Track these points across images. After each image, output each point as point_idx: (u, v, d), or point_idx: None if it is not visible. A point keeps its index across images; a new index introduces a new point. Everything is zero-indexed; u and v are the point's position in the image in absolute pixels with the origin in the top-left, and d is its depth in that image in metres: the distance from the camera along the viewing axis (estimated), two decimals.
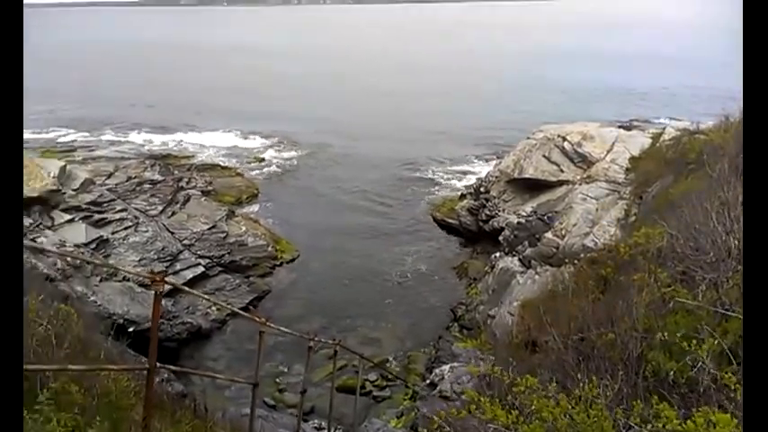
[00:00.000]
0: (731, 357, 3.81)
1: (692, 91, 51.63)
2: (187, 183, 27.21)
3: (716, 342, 3.90)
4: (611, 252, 10.89)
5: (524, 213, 21.36)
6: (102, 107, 48.23)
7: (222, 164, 33.09)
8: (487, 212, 23.07)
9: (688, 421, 3.05)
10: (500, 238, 20.98)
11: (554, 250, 17.48)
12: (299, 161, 34.44)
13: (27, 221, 18.45)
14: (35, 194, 19.16)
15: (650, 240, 9.49)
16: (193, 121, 43.16)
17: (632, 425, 3.22)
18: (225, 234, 22.06)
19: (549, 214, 20.84)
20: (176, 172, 28.84)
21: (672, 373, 3.99)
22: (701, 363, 3.74)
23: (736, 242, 5.68)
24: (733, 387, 3.34)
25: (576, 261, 13.98)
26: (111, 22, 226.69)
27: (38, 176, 19.78)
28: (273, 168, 33.18)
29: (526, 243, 19.19)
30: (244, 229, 23.07)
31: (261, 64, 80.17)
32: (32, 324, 5.22)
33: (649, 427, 3.18)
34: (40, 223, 18.53)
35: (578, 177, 21.72)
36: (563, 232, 17.79)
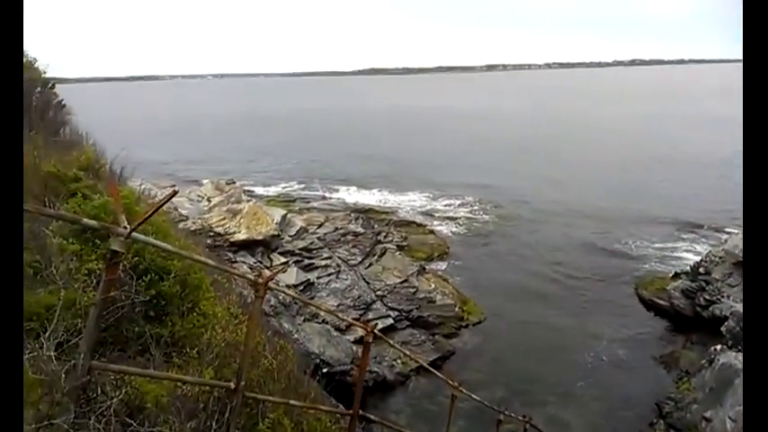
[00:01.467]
0: None
1: None
2: (384, 237, 28.87)
3: None
4: None
5: None
6: (320, 166, 54.21)
7: (417, 221, 34.46)
8: (707, 297, 20.15)
9: None
10: (722, 328, 18.06)
11: None
12: (493, 225, 34.26)
13: (251, 260, 21.24)
14: (261, 237, 22.07)
15: None
16: (397, 180, 45.99)
17: None
18: (415, 289, 22.66)
19: None
20: (376, 226, 30.85)
21: None
22: None
23: None
24: None
25: None
26: (332, 89, 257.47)
27: (264, 222, 22.79)
28: (464, 230, 33.48)
29: None
30: (433, 286, 23.46)
31: (473, 128, 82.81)
32: (258, 355, 5.80)
33: None
34: (261, 262, 21.16)
35: None
36: None
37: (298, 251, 22.68)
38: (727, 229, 29.23)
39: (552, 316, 22.15)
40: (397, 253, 26.53)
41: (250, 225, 22.25)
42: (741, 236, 21.57)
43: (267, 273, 4.12)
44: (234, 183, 28.22)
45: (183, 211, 22.94)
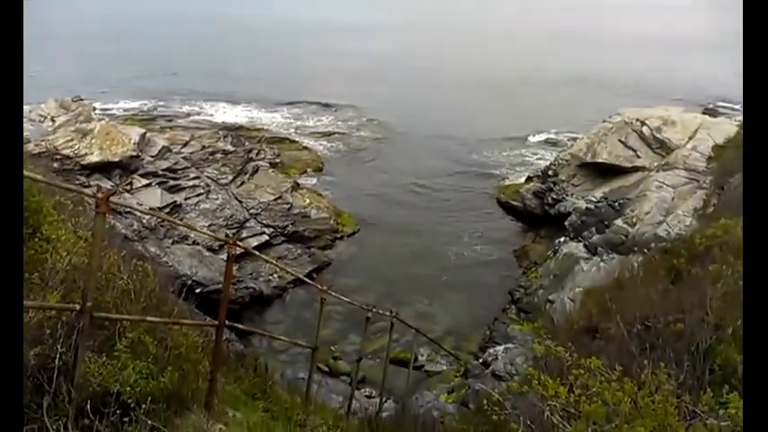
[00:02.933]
0: None
1: None
2: (256, 154, 28.06)
3: None
4: (686, 243, 10.36)
5: (594, 199, 20.64)
6: (181, 81, 50.14)
7: (291, 138, 33.78)
8: (554, 196, 22.45)
9: None
10: (566, 223, 20.41)
11: (623, 238, 16.84)
12: (365, 141, 34.59)
13: (108, 184, 19.68)
14: (116, 159, 20.40)
15: (729, 232, 8.96)
16: (266, 95, 44.10)
17: (699, 413, 3.11)
18: (289, 205, 22.64)
19: (621, 200, 20.04)
20: (247, 143, 29.77)
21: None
22: None
23: None
24: None
25: (646, 250, 13.42)
26: None
27: (120, 142, 21.00)
28: (340, 144, 33.53)
29: (593, 229, 18.57)
30: (308, 201, 23.58)
31: (345, 41, 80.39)
32: (113, 277, 5.58)
33: (715, 416, 3.05)
34: (119, 185, 19.72)
35: (655, 164, 20.70)
36: (634, 220, 17.07)
37: (161, 172, 21.35)
38: (575, 136, 32.20)
39: (420, 223, 23.50)
40: (270, 170, 26.03)
41: (104, 146, 20.39)
42: (586, 140, 23.96)
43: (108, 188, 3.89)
44: (81, 100, 25.27)
45: (25, 133, 20.35)
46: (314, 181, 27.63)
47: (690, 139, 20.90)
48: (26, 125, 21.65)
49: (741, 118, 22.72)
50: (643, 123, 22.28)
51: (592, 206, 20.56)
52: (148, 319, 4.59)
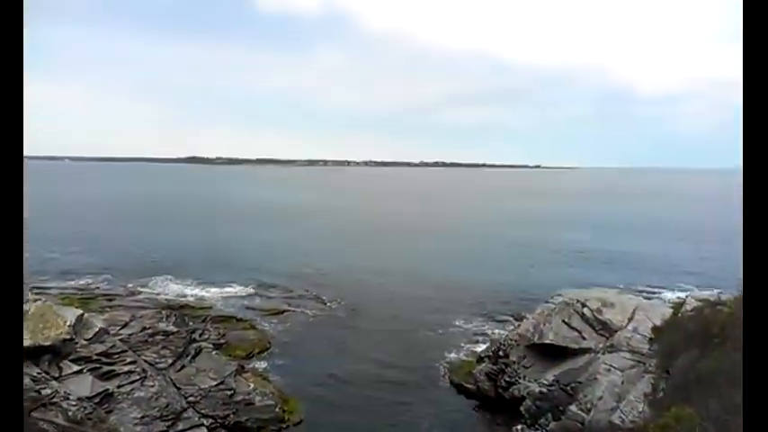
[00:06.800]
0: None
1: (709, 261, 52.06)
2: (200, 335, 27.01)
3: None
4: None
5: (546, 382, 20.46)
6: (130, 257, 49.75)
7: (237, 316, 32.99)
8: (507, 378, 22.14)
9: None
10: (521, 408, 19.90)
11: (579, 425, 16.40)
12: (314, 317, 34.21)
13: (34, 371, 18.12)
14: (48, 343, 19.08)
15: (680, 422, 8.96)
16: (215, 275, 43.95)
17: None
18: (232, 391, 21.25)
19: (572, 384, 19.94)
20: (191, 323, 28.76)
21: None
22: None
23: None
24: None
25: None
26: (150, 176, 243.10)
27: (54, 324, 19.86)
28: (288, 324, 32.85)
29: (549, 415, 18.11)
30: (252, 386, 22.25)
31: (296, 219, 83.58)
32: None
33: None
34: (48, 373, 18.17)
35: (600, 345, 21.13)
36: (588, 406, 16.82)
37: (96, 356, 19.99)
38: (522, 314, 32.98)
39: (373, 406, 22.31)
40: (214, 352, 24.85)
41: (36, 329, 19.18)
42: (531, 320, 24.49)
43: None
44: None
45: None
46: (261, 364, 26.39)
47: (629, 320, 21.73)
48: None
49: (674, 300, 24.11)
50: (584, 305, 23.18)
51: (545, 389, 20.32)
52: None
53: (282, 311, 35.03)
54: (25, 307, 20.91)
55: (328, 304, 36.81)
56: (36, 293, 28.90)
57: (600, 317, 22.37)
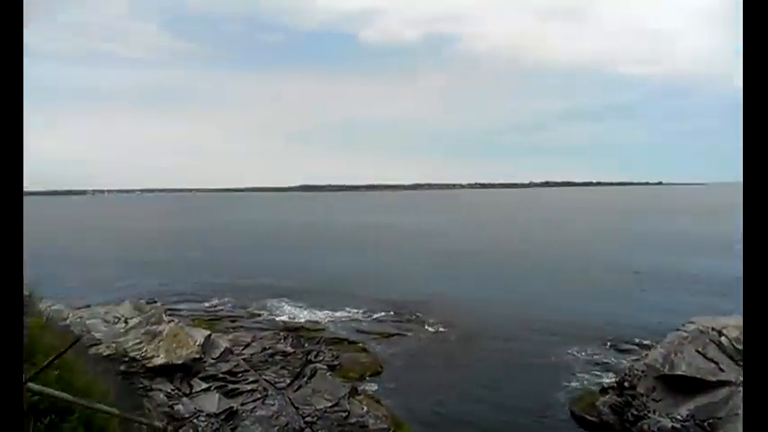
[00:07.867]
0: None
1: None
2: (315, 356, 27.87)
3: None
4: None
5: (680, 417, 18.64)
6: (250, 282, 52.98)
7: (350, 339, 33.70)
8: (634, 412, 20.43)
9: None
10: None
11: None
12: (426, 342, 34.03)
13: (168, 387, 19.69)
14: (180, 362, 20.68)
15: None
16: (326, 297, 45.41)
17: None
18: (347, 413, 21.58)
19: (710, 419, 18.01)
20: (306, 344, 29.83)
21: None
22: None
23: None
24: None
25: None
26: (266, 205, 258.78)
27: (185, 344, 21.51)
28: (397, 347, 32.97)
29: None
30: (365, 408, 22.46)
31: (405, 242, 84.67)
32: None
33: None
34: (180, 390, 19.65)
35: (741, 379, 18.88)
36: None
37: (221, 375, 21.33)
38: (645, 342, 30.46)
39: None
40: (328, 373, 25.51)
41: (170, 348, 20.90)
42: (660, 350, 22.53)
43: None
44: (155, 302, 26.83)
45: (97, 334, 21.30)
46: (373, 386, 26.62)
47: None
48: (100, 326, 22.75)
49: None
50: (721, 333, 20.96)
51: (678, 425, 18.54)
52: None
53: (392, 335, 35.27)
54: (159, 327, 22.89)
55: (438, 328, 36.52)
56: (169, 315, 31.62)
57: (740, 346, 20.05)
